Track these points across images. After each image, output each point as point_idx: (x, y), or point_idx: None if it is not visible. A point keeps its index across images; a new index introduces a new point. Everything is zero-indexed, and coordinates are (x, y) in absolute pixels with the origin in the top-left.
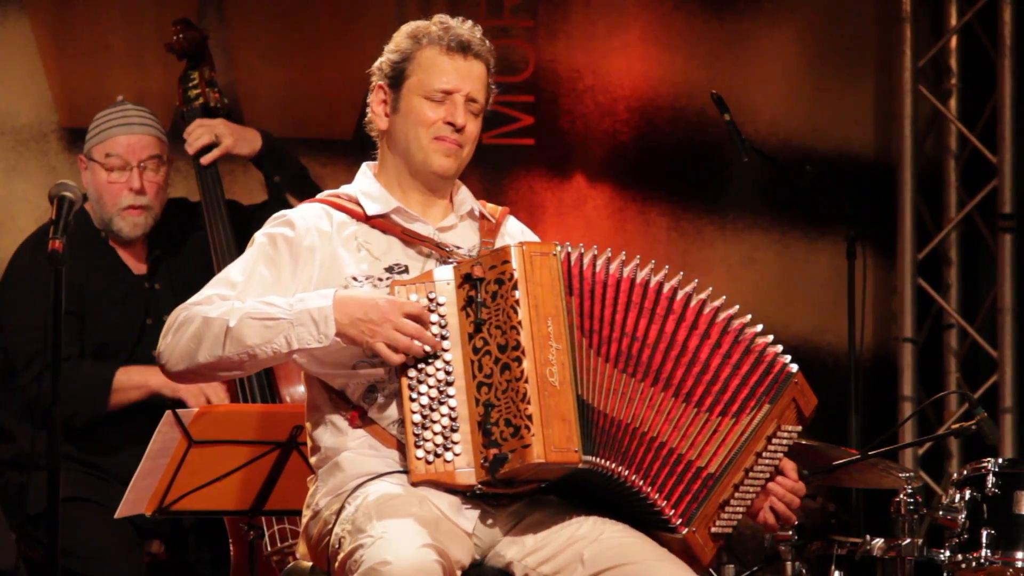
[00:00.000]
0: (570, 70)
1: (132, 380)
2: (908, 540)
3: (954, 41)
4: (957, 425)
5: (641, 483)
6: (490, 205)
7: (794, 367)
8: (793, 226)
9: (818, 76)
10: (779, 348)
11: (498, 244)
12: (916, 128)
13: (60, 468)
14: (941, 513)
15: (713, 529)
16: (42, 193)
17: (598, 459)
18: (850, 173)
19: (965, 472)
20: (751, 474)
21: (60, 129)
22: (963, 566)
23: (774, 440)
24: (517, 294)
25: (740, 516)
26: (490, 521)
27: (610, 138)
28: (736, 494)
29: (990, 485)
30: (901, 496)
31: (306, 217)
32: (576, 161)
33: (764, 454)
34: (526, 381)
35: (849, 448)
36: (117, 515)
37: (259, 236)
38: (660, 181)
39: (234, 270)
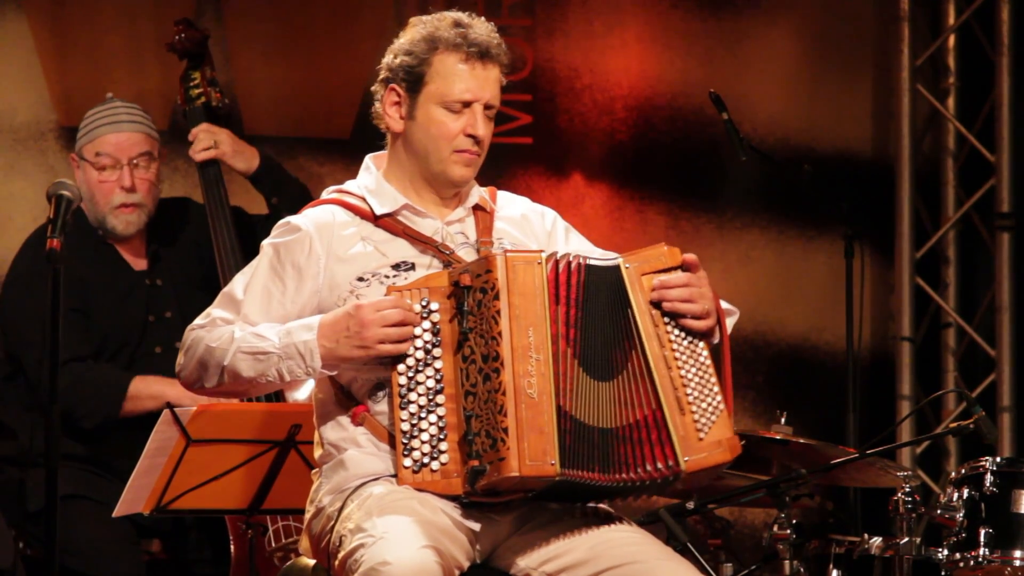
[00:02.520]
0: (568, 69)
1: (150, 390)
2: (906, 539)
3: (952, 40)
4: (955, 424)
5: (625, 475)
6: (481, 190)
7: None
8: (791, 225)
9: (816, 75)
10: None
11: (494, 235)
12: (914, 127)
13: (59, 466)
14: (939, 512)
15: (704, 435)
16: (40, 192)
17: (578, 471)
18: (848, 172)
19: (963, 471)
20: (677, 364)
21: (58, 128)
22: (961, 565)
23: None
24: (499, 304)
25: (717, 397)
26: (494, 523)
27: (608, 137)
28: (689, 390)
29: (988, 484)
30: (899, 495)
31: (311, 221)
32: (574, 160)
33: (670, 343)
34: (503, 393)
35: (847, 447)
36: (115, 514)
37: (266, 246)
38: (658, 180)
39: (238, 285)
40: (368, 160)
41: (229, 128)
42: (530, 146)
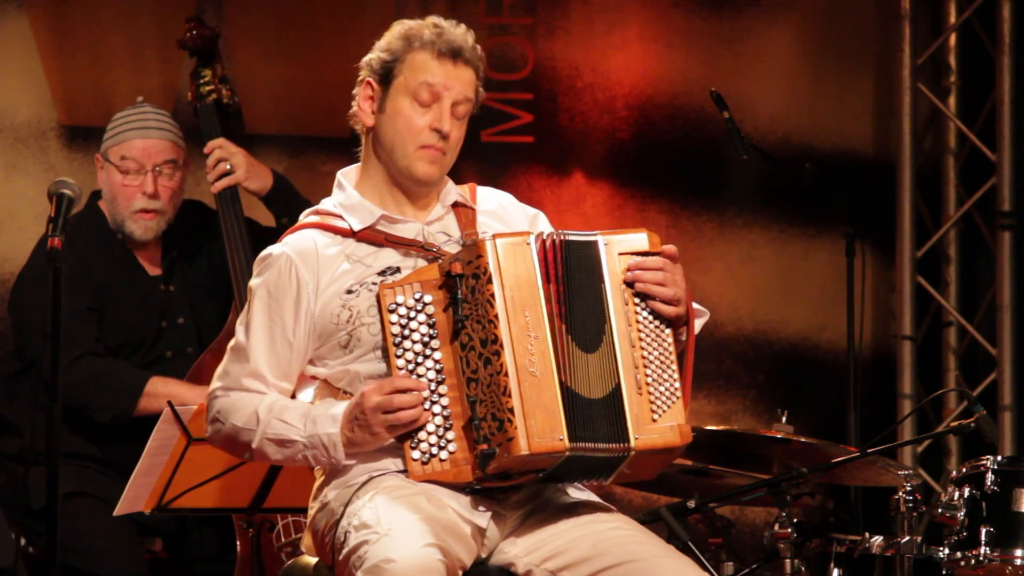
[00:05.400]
0: (569, 68)
1: (168, 390)
2: (907, 538)
3: (953, 39)
4: (956, 423)
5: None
6: (459, 188)
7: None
8: (792, 224)
9: (817, 74)
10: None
11: (478, 229)
12: (915, 126)
13: (63, 464)
14: (940, 511)
15: (658, 417)
16: (41, 191)
17: (588, 444)
18: (849, 171)
19: (964, 470)
20: (641, 344)
21: (59, 127)
22: (962, 564)
23: (635, 302)
24: (492, 287)
25: (676, 383)
26: (500, 518)
27: (609, 136)
28: (648, 371)
29: (989, 483)
30: (900, 494)
31: (291, 248)
32: (575, 159)
33: (636, 323)
34: (506, 374)
35: (848, 446)
36: (116, 512)
37: (254, 286)
38: (659, 179)
39: (241, 334)
40: (340, 177)
41: (237, 126)
42: (531, 145)
